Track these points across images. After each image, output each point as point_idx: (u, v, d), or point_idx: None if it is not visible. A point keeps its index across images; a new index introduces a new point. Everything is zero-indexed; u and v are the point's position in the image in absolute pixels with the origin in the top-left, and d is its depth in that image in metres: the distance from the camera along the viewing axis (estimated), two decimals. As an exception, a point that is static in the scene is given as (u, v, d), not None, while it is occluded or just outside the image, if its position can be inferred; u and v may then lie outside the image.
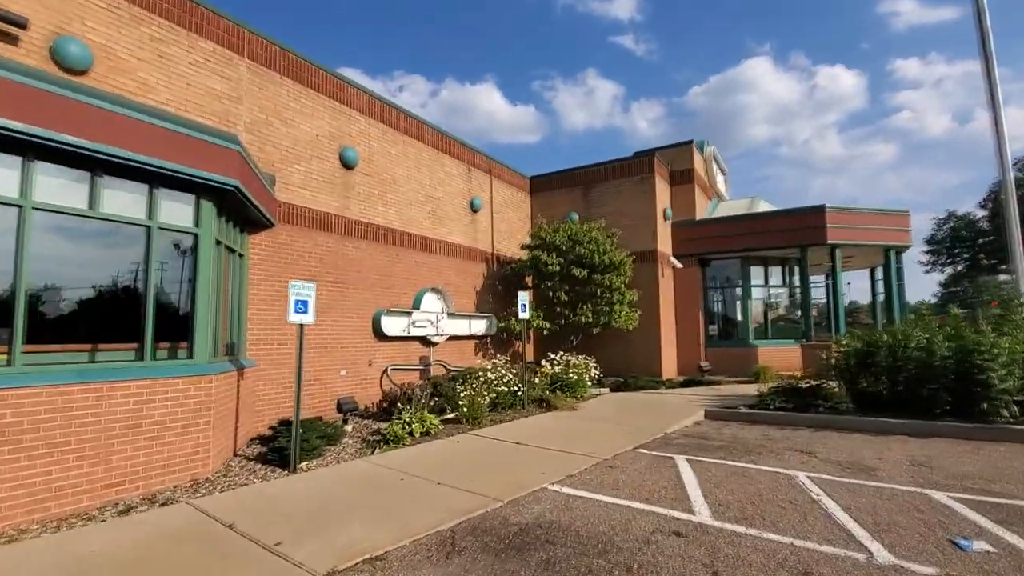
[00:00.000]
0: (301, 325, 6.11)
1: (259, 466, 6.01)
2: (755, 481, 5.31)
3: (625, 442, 7.01)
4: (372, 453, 6.59)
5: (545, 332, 12.82)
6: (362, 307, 9.58)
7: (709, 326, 15.27)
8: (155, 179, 5.37)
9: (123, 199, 5.25)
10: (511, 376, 9.69)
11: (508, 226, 14.57)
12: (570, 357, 11.46)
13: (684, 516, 4.33)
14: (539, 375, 11.04)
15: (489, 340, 13.15)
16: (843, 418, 7.97)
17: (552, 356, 11.51)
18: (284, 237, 8.24)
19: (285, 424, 7.04)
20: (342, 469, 5.89)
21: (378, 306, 9.91)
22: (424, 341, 11.03)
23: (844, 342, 8.74)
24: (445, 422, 8.33)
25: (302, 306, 6.13)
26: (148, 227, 5.37)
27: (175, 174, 5.33)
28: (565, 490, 5.07)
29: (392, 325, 10.10)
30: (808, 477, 5.43)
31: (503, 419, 8.64)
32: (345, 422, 8.07)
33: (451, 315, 11.72)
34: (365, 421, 8.66)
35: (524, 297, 9.95)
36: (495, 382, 9.42)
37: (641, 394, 11.50)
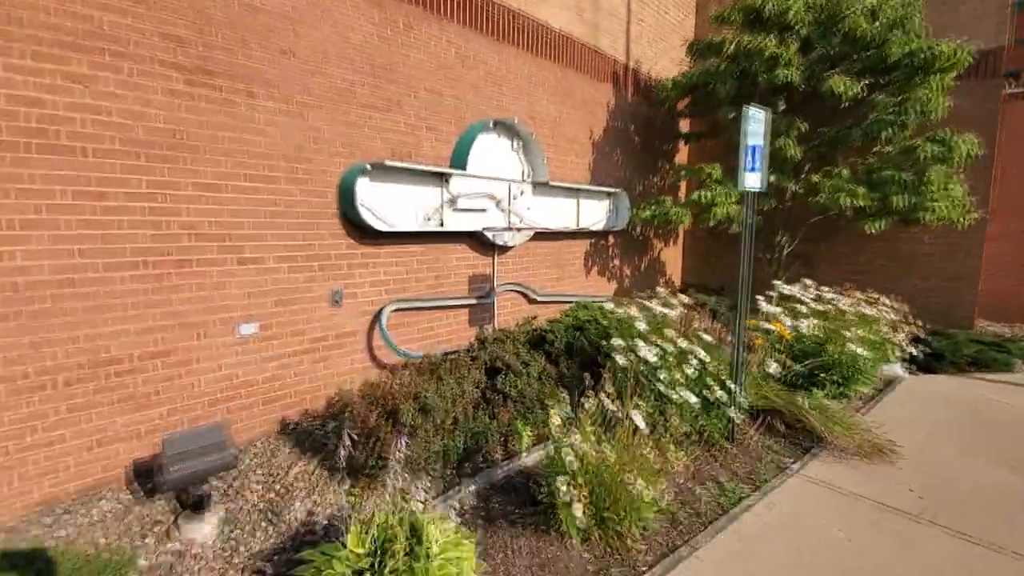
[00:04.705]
0: None
1: None
2: None
3: None
4: None
5: (731, 228, 6.16)
6: (304, 151, 3.64)
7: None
8: None
9: None
10: (702, 354, 3.47)
11: (657, 19, 7.41)
12: (838, 295, 4.70)
13: None
14: (755, 338, 4.69)
15: (613, 240, 6.88)
16: None
17: (789, 290, 4.88)
18: None
19: None
20: None
21: (354, 154, 3.94)
22: (481, 242, 5.04)
23: None
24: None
25: None
26: None
27: None
28: None
29: (394, 204, 4.15)
30: None
31: (684, 508, 2.71)
32: (172, 532, 2.58)
33: (540, 187, 5.51)
34: (306, 482, 3.17)
35: (757, 120, 3.33)
36: (670, 385, 3.28)
37: (990, 385, 4.85)
